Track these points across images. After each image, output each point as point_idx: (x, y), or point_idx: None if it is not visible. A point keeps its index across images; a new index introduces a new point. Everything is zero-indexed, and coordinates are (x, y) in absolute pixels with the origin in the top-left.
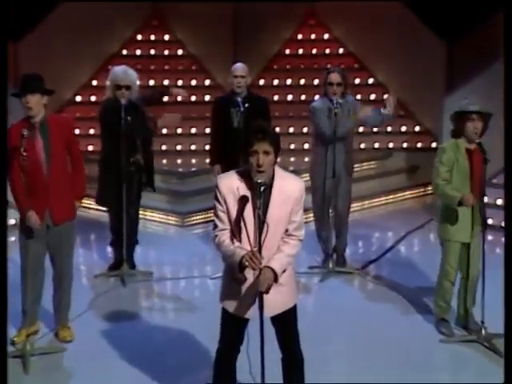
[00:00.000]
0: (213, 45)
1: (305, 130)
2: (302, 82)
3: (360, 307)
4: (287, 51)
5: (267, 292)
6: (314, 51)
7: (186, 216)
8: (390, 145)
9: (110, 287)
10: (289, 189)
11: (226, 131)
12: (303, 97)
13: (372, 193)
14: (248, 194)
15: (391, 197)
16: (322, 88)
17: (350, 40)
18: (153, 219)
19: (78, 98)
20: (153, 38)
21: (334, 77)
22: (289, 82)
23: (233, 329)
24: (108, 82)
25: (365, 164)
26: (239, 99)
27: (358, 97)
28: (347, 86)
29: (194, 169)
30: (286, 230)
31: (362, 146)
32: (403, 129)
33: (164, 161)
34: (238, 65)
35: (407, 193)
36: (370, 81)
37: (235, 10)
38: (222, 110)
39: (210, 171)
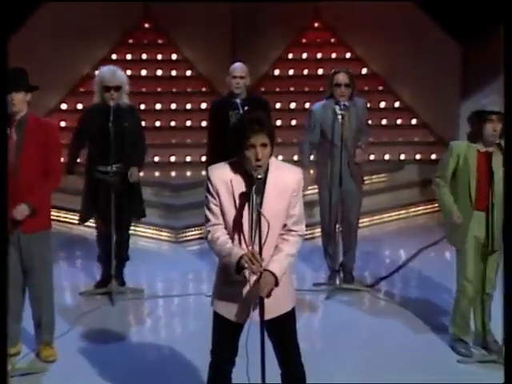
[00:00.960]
0: (210, 48)
1: None
2: (307, 89)
3: (370, 326)
4: (290, 56)
5: (268, 297)
6: (319, 56)
7: (180, 231)
8: (402, 156)
9: (97, 305)
10: (285, 180)
11: (225, 137)
12: (307, 105)
13: (382, 207)
14: (243, 188)
15: (403, 212)
16: (328, 90)
17: (357, 44)
18: (144, 235)
19: (64, 106)
20: (144, 42)
21: (342, 77)
22: (292, 89)
23: (226, 335)
24: (95, 86)
25: (374, 177)
26: (238, 101)
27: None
28: (355, 88)
29: (188, 181)
30: (285, 226)
31: (372, 157)
32: (416, 139)
33: (157, 173)
34: (237, 64)
35: (420, 208)
36: (380, 87)
37: (233, 11)
38: (220, 113)
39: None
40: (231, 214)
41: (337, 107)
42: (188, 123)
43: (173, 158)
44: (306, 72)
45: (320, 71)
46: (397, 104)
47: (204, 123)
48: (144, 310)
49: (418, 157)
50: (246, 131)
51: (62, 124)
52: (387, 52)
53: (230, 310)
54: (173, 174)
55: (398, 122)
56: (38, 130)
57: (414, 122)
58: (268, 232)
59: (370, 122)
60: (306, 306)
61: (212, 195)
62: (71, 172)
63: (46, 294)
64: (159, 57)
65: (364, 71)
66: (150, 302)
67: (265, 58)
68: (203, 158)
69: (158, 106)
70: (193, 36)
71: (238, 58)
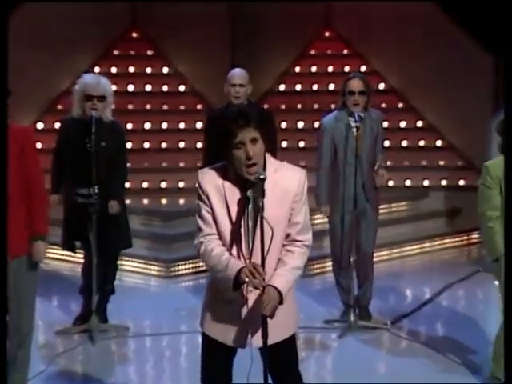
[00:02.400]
0: (206, 61)
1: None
2: (316, 106)
3: (391, 368)
4: (297, 69)
5: (272, 316)
6: (331, 69)
7: (172, 265)
8: (426, 182)
9: (76, 344)
10: (285, 182)
11: (222, 150)
12: (317, 124)
13: (403, 240)
14: (236, 193)
15: (427, 245)
16: (340, 99)
17: (374, 56)
18: (130, 269)
19: (40, 125)
20: (132, 52)
21: (356, 84)
22: (299, 106)
23: (219, 361)
24: (75, 96)
25: (394, 205)
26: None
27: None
28: (371, 97)
29: (181, 209)
30: (288, 235)
31: (391, 183)
32: (441, 163)
33: (145, 200)
34: (236, 71)
35: (447, 241)
36: (400, 105)
37: (232, 18)
38: (218, 126)
39: None
40: (225, 222)
41: (351, 119)
42: (181, 145)
43: (164, 184)
44: (315, 87)
45: (331, 86)
46: (419, 123)
47: (199, 145)
48: (129, 349)
49: (443, 183)
50: (230, 129)
51: (39, 146)
52: (408, 65)
53: (224, 333)
54: (164, 201)
55: (421, 143)
56: (11, 138)
57: (439, 143)
58: (271, 241)
59: (386, 139)
60: (317, 346)
61: (203, 201)
62: (56, 192)
63: (26, 326)
64: (148, 70)
65: (381, 86)
66: (135, 340)
67: (269, 72)
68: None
69: (147, 126)
70: (186, 47)
71: None
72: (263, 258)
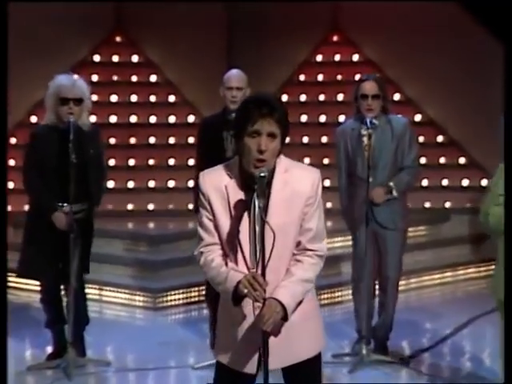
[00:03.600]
0: (198, 68)
1: (327, 182)
2: (323, 119)
3: None
4: (302, 77)
5: (276, 335)
6: (339, 77)
7: (160, 295)
8: (447, 204)
9: (50, 380)
10: (297, 184)
11: (217, 163)
12: (324, 139)
13: (422, 268)
14: (241, 195)
15: (449, 275)
16: (353, 105)
17: (387, 63)
18: (113, 300)
19: (13, 140)
20: (115, 59)
21: (369, 86)
22: (304, 118)
23: None
24: (48, 100)
25: (412, 229)
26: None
27: None
28: (387, 101)
29: (170, 232)
30: (299, 244)
31: (409, 204)
32: (465, 183)
33: (130, 223)
34: (234, 72)
35: (471, 270)
36: (417, 118)
37: (229, 21)
38: (212, 134)
39: (192, 234)
40: (228, 229)
41: (362, 126)
42: (171, 162)
43: (151, 206)
44: (322, 98)
45: (340, 97)
46: (440, 138)
47: (191, 162)
48: None
49: (467, 205)
50: (250, 114)
51: (11, 163)
52: (426, 73)
53: (236, 358)
54: (151, 224)
55: (442, 160)
56: None
57: (462, 160)
58: (273, 246)
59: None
60: (325, 381)
61: (204, 207)
62: (55, 209)
63: None
64: (134, 78)
65: (396, 97)
66: (117, 376)
67: (270, 81)
68: (190, 206)
69: (133, 140)
70: (177, 52)
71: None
72: (263, 267)
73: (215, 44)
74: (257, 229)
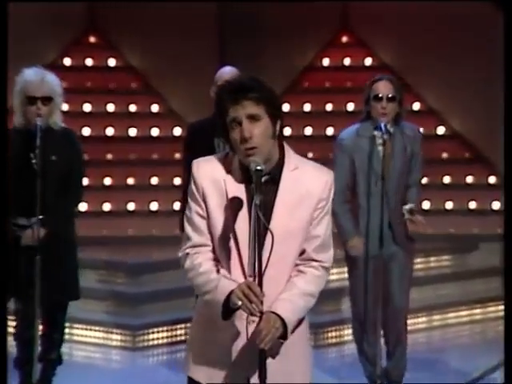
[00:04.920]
0: (185, 73)
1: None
2: (330, 131)
3: None
4: (306, 84)
5: (274, 354)
6: (349, 84)
7: (140, 333)
8: (475, 230)
9: None
10: (307, 184)
11: None
12: (331, 154)
13: (446, 304)
14: (241, 191)
15: (477, 312)
16: (364, 108)
17: (404, 68)
18: (85, 340)
19: None
20: (89, 63)
21: (383, 87)
22: (309, 131)
23: None
24: (14, 99)
25: (434, 259)
26: None
27: None
28: (403, 106)
29: (152, 260)
30: (303, 252)
31: (430, 230)
32: (496, 205)
33: (106, 251)
34: (227, 70)
35: (503, 307)
36: (440, 130)
37: (222, 19)
38: (201, 141)
39: (178, 265)
40: (224, 227)
41: (376, 133)
42: (153, 181)
43: (130, 231)
44: (329, 107)
45: (350, 106)
46: (466, 154)
47: (177, 180)
48: None
49: (498, 231)
50: (223, 104)
51: None
52: (449, 80)
53: (213, 374)
54: (129, 251)
55: (469, 180)
56: None
57: (492, 180)
58: (271, 251)
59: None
60: None
61: (196, 202)
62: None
63: None
64: (111, 85)
65: (416, 107)
66: None
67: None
68: (176, 232)
69: (109, 156)
70: (160, 56)
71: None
72: (260, 275)
73: (206, 47)
74: (256, 231)
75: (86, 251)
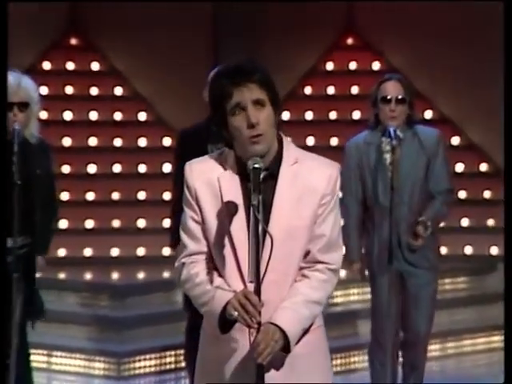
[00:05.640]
0: (176, 78)
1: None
2: (335, 142)
3: None
4: (308, 90)
5: (278, 368)
6: (355, 90)
7: (126, 360)
8: (494, 250)
9: None
10: (310, 178)
11: None
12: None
13: (462, 330)
14: (237, 190)
15: (496, 339)
16: (371, 112)
17: (416, 72)
18: (64, 369)
19: None
20: (70, 67)
21: (392, 88)
22: (311, 141)
23: None
24: None
25: (449, 281)
26: None
27: None
28: (414, 109)
29: (138, 282)
30: (307, 254)
31: (444, 250)
32: None
33: (88, 272)
34: None
35: None
36: (455, 141)
37: (216, 20)
38: (193, 148)
39: (167, 285)
40: (221, 231)
41: (384, 139)
42: (140, 196)
43: (115, 251)
44: (333, 116)
45: (356, 115)
46: (483, 167)
47: (167, 195)
48: None
49: None
50: (223, 88)
51: None
52: (465, 87)
53: None
54: (114, 273)
55: (487, 195)
56: None
57: None
58: (271, 254)
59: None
60: None
61: (190, 206)
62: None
63: None
64: (93, 91)
65: (428, 115)
66: None
67: None
68: (165, 251)
69: (92, 169)
70: (148, 59)
71: None
72: (258, 282)
73: (198, 49)
74: (254, 234)
75: (67, 272)
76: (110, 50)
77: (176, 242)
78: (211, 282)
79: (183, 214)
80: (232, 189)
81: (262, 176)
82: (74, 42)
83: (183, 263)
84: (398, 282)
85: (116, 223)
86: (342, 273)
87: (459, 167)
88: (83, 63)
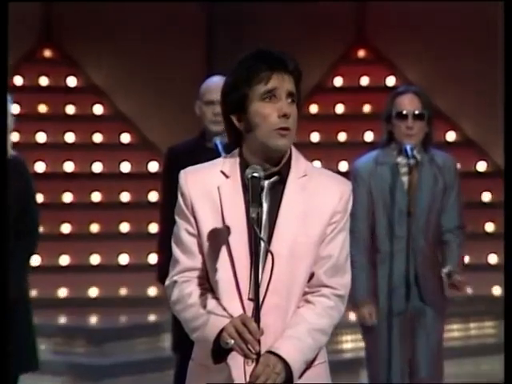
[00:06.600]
0: (163, 95)
1: None
2: (344, 167)
3: None
4: (313, 109)
5: None
6: (368, 109)
7: None
8: None
9: None
10: (320, 192)
11: None
12: None
13: (490, 381)
14: (239, 200)
15: None
16: (383, 128)
17: (437, 88)
18: None
19: None
20: (44, 82)
21: (409, 102)
22: (317, 166)
23: None
24: None
25: (474, 326)
26: (218, 144)
27: None
28: (433, 125)
29: (119, 325)
30: (311, 277)
31: (469, 290)
32: None
33: (63, 315)
34: (215, 81)
35: None
36: (481, 166)
37: (209, 26)
38: (184, 167)
39: (153, 330)
40: (219, 246)
41: (400, 159)
42: (123, 228)
43: (93, 291)
44: (342, 137)
45: (368, 136)
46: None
47: (153, 227)
48: None
49: None
50: (258, 69)
51: None
52: (491, 105)
53: None
54: (92, 316)
55: None
56: None
57: None
58: (271, 275)
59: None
60: None
61: (185, 218)
62: None
63: None
64: (70, 109)
65: (451, 137)
66: None
67: None
68: (151, 291)
69: (68, 198)
70: (132, 74)
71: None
72: (257, 306)
73: (189, 63)
74: (261, 252)
75: (39, 315)
76: (88, 64)
77: (164, 277)
78: (205, 304)
79: (176, 225)
80: (234, 199)
81: (272, 180)
82: (48, 54)
83: (175, 281)
84: (408, 326)
85: (95, 259)
86: (353, 315)
87: (486, 196)
88: (58, 78)
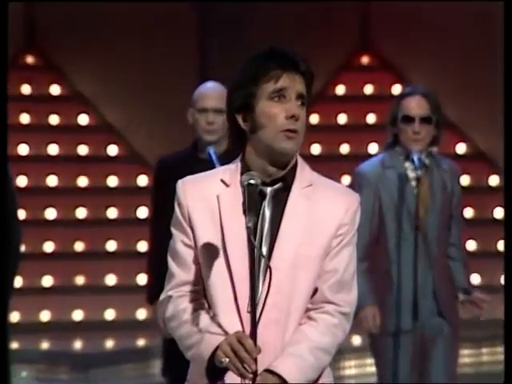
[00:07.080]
0: (153, 107)
1: None
2: (347, 180)
3: None
4: (314, 119)
5: None
6: (372, 119)
7: None
8: None
9: None
10: (325, 203)
11: None
12: None
13: None
14: (239, 209)
15: None
16: (388, 132)
17: (447, 97)
18: None
19: None
20: (26, 90)
21: (417, 105)
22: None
23: None
24: None
25: (487, 351)
26: (212, 154)
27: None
28: (441, 129)
29: (106, 350)
30: (315, 293)
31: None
32: None
33: (46, 341)
34: (209, 87)
35: None
36: (493, 181)
37: (202, 30)
38: (176, 179)
39: (142, 355)
40: (216, 258)
41: (408, 164)
42: (110, 246)
43: (78, 314)
44: (344, 150)
45: (373, 148)
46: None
47: (142, 246)
48: None
49: None
50: (268, 67)
51: None
52: (499, 117)
53: None
54: (77, 341)
55: None
56: None
57: None
58: (269, 288)
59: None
60: None
61: (181, 228)
62: None
63: None
64: (53, 119)
65: (461, 149)
66: None
67: None
68: (139, 314)
69: (51, 214)
70: (119, 82)
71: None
72: (254, 322)
73: (180, 70)
74: (262, 265)
75: (20, 340)
76: (73, 71)
77: (154, 298)
78: (200, 321)
79: (172, 238)
80: (234, 208)
81: (274, 188)
82: (30, 60)
83: (170, 296)
84: (418, 345)
85: (79, 279)
86: (357, 339)
87: (499, 213)
88: (42, 86)
